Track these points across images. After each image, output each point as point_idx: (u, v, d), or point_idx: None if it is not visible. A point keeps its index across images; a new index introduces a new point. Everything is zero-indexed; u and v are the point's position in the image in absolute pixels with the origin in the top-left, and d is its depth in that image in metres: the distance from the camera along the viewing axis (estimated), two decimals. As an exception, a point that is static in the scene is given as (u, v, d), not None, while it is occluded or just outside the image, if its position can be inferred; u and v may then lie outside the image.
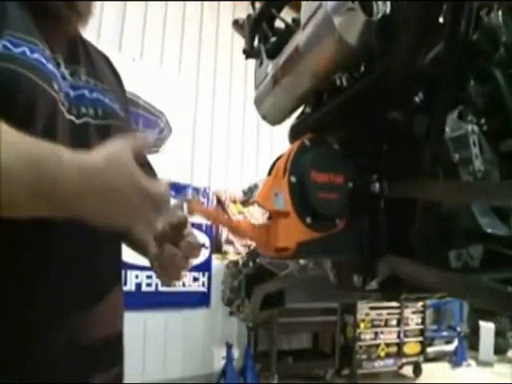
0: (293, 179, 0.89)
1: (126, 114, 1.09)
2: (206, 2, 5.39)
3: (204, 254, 5.08)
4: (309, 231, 0.90)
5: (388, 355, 5.61)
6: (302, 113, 1.21)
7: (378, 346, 5.55)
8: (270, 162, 1.03)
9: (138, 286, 4.60)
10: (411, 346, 5.81)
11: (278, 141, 5.32)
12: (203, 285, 5.08)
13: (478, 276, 0.90)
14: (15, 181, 0.62)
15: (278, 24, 1.29)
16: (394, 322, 5.70)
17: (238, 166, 5.62)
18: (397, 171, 0.94)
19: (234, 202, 5.35)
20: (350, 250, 0.95)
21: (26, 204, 0.64)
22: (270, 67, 1.13)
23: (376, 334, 5.56)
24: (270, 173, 0.99)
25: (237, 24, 1.35)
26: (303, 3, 0.96)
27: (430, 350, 6.34)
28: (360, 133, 1.00)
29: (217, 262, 5.17)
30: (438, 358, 6.52)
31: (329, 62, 0.90)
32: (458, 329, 6.55)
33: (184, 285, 4.94)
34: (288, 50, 1.02)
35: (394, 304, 5.45)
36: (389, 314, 5.63)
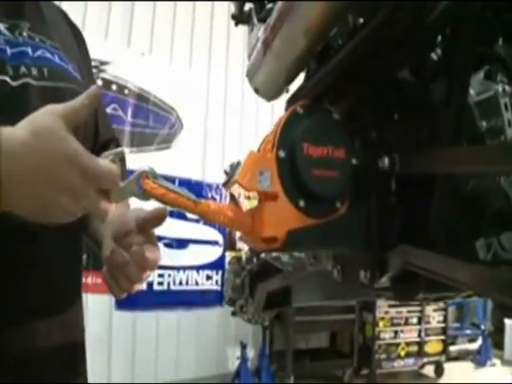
0: (281, 154, 0.73)
1: (86, 79, 0.93)
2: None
3: (217, 251, 4.99)
4: (302, 217, 0.73)
5: (408, 354, 5.44)
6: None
7: (397, 344, 5.38)
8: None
9: (150, 284, 4.52)
10: (433, 345, 5.63)
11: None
12: (216, 283, 5.00)
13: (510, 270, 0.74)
14: None
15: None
16: (415, 320, 5.53)
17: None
18: (410, 144, 0.77)
19: (249, 198, 5.19)
20: (353, 239, 0.78)
21: None
22: (260, 31, 0.97)
23: (396, 332, 5.40)
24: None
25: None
26: None
27: (452, 348, 6.12)
28: (365, 98, 0.83)
29: (230, 260, 5.05)
30: (460, 357, 6.30)
31: (324, 13, 0.74)
32: (482, 326, 6.32)
33: (197, 283, 4.86)
34: (278, 5, 0.86)
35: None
36: (409, 311, 5.47)
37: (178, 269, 4.70)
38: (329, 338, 5.81)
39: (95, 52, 4.39)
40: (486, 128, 0.75)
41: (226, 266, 4.77)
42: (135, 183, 0.65)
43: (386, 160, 0.76)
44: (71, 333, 0.88)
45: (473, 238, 0.77)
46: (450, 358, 5.94)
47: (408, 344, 5.44)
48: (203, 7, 5.19)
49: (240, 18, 1.07)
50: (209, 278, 4.98)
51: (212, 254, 4.98)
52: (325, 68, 0.83)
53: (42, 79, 0.79)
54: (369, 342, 5.25)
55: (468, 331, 6.61)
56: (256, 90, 1.05)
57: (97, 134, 0.99)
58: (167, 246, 4.52)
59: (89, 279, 3.93)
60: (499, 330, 6.55)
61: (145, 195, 0.66)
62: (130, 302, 4.27)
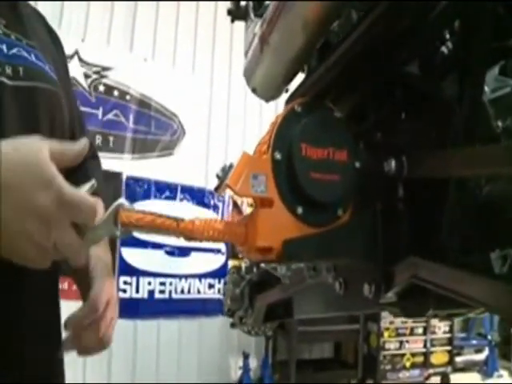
0: (277, 156, 0.66)
1: (63, 81, 0.88)
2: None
3: (220, 259, 4.93)
4: (300, 225, 0.66)
5: (414, 365, 5.35)
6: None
7: (403, 355, 5.29)
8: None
9: (151, 293, 4.47)
10: (438, 356, 5.54)
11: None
12: (219, 292, 4.92)
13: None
14: None
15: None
16: (420, 331, 5.44)
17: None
18: (419, 146, 0.70)
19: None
20: (357, 250, 0.71)
21: None
22: (257, 26, 0.91)
23: (401, 342, 5.31)
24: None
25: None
26: None
27: (458, 359, 6.03)
28: (369, 96, 0.76)
29: (233, 268, 4.99)
30: (467, 368, 6.20)
31: (322, 5, 0.68)
32: (489, 337, 6.22)
33: (199, 292, 4.79)
34: (275, -4, 0.79)
35: (420, 311, 5.19)
36: (414, 321, 5.36)
37: (179, 277, 4.64)
38: (333, 349, 5.71)
39: (97, 58, 4.38)
40: (502, 127, 0.68)
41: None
42: (112, 219, 0.58)
43: (393, 163, 0.69)
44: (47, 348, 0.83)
45: (487, 249, 0.70)
46: (457, 369, 5.85)
47: (413, 355, 5.35)
48: (206, 10, 5.15)
49: (237, 13, 1.01)
50: (211, 286, 4.90)
51: (214, 262, 4.91)
52: (325, 64, 0.76)
53: (17, 79, 0.74)
54: (374, 352, 5.17)
55: (474, 342, 6.50)
56: (254, 90, 0.99)
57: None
58: (169, 253, 4.47)
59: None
60: (506, 340, 6.46)
61: (122, 231, 0.59)
62: (131, 310, 4.22)
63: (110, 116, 4.28)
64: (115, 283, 0.95)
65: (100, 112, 4.22)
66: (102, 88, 4.27)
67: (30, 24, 0.86)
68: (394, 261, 0.70)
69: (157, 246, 4.32)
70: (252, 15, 0.96)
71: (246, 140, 5.27)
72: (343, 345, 5.58)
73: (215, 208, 4.87)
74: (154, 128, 4.67)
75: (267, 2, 1.08)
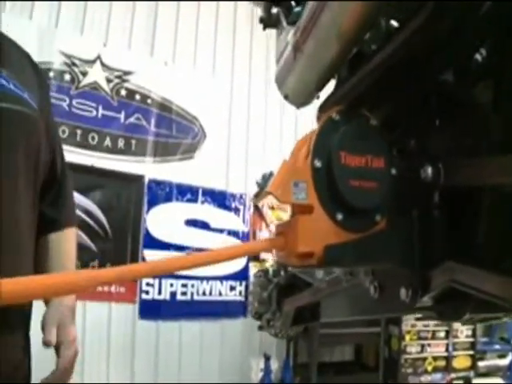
0: (317, 163, 0.68)
1: (43, 110, 0.94)
2: (239, 2, 5.23)
3: (241, 262, 4.94)
4: (340, 231, 0.68)
5: (435, 369, 5.30)
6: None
7: (424, 359, 5.25)
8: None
9: (173, 294, 4.50)
10: (461, 360, 5.49)
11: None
12: (240, 294, 4.94)
13: None
14: None
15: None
16: (442, 334, 5.40)
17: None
18: (455, 152, 0.71)
19: (273, 208, 5.13)
20: (394, 256, 0.73)
21: None
22: (290, 34, 0.92)
23: (423, 346, 5.26)
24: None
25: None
26: None
27: (481, 364, 5.93)
28: (404, 104, 0.77)
29: (254, 271, 4.99)
30: (490, 373, 6.08)
31: (358, 14, 0.69)
32: (513, 342, 6.13)
33: (221, 294, 4.81)
34: (309, 6, 0.81)
35: (442, 314, 5.12)
36: (436, 325, 5.30)
37: (201, 279, 4.66)
38: (354, 351, 5.67)
39: (119, 62, 4.42)
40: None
41: (252, 278, 4.73)
42: None
43: (430, 170, 0.70)
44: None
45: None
46: (479, 374, 5.76)
47: (435, 359, 5.30)
48: (226, 13, 5.18)
49: (268, 21, 1.03)
50: (232, 288, 4.92)
51: (236, 264, 4.92)
52: (360, 73, 0.77)
53: None
54: (395, 355, 5.12)
55: (497, 346, 6.39)
56: (286, 97, 1.00)
57: (53, 167, 1.02)
58: (190, 255, 4.48)
59: (112, 288, 3.94)
60: (530, 344, 6.35)
61: None
62: (153, 311, 4.26)
63: (131, 120, 4.33)
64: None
65: (122, 116, 4.27)
66: (123, 92, 4.31)
67: (12, 58, 0.92)
68: (430, 265, 0.71)
69: (179, 247, 4.35)
70: (284, 23, 0.97)
71: (266, 143, 5.28)
72: (364, 348, 5.54)
73: (236, 210, 4.88)
74: (176, 131, 4.69)
75: (297, 9, 1.10)
